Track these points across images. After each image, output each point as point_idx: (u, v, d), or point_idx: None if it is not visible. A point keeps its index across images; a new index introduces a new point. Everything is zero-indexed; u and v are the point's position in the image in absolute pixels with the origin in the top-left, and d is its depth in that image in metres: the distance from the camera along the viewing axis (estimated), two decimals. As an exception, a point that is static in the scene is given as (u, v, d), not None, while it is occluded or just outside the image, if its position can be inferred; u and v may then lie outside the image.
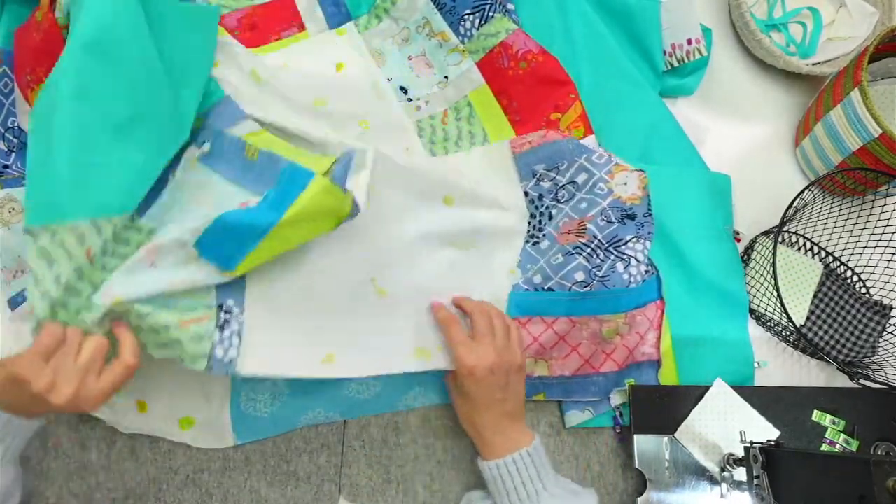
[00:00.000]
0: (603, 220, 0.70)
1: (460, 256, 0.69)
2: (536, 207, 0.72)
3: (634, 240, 0.69)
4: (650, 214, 0.71)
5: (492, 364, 0.58)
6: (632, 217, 0.70)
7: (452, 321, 0.62)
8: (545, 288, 0.69)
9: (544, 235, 0.72)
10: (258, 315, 0.58)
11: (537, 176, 0.72)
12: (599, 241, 0.69)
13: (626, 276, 0.68)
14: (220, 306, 0.56)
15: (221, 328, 0.56)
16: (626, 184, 0.71)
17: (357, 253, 0.63)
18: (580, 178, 0.71)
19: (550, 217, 0.72)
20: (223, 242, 0.54)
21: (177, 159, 0.61)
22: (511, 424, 0.60)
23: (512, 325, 0.64)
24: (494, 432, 0.60)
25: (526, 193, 0.73)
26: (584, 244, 0.69)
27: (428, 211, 0.68)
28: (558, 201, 0.72)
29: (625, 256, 0.68)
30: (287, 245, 0.57)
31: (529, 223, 0.72)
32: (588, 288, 0.67)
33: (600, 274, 0.68)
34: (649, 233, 0.70)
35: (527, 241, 0.72)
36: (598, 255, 0.69)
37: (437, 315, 0.64)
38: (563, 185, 0.71)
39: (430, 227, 0.68)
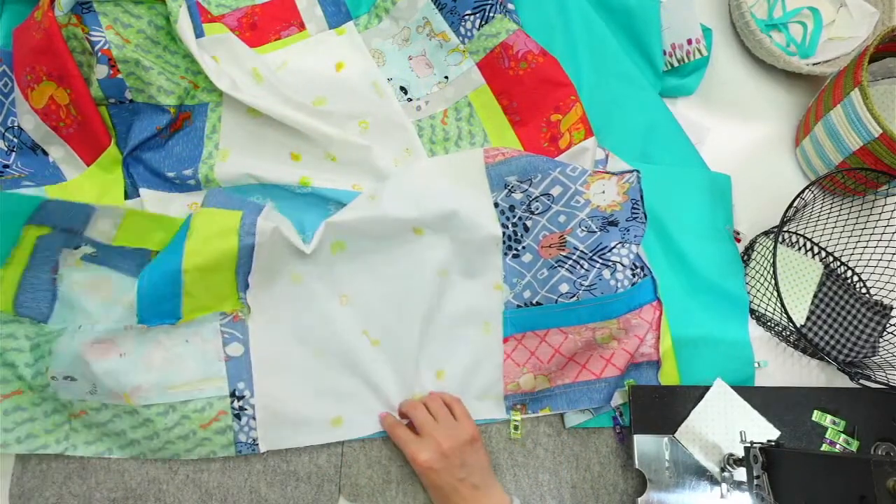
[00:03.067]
0: (583, 230, 0.70)
1: (444, 283, 0.69)
2: (508, 219, 0.72)
3: (619, 245, 0.69)
4: (636, 217, 0.70)
5: (443, 451, 0.60)
6: (614, 223, 0.70)
7: (395, 425, 0.64)
8: (534, 302, 0.69)
9: (524, 248, 0.71)
10: (268, 392, 0.65)
11: (509, 187, 0.72)
12: (582, 251, 0.69)
13: (612, 283, 0.68)
14: (232, 393, 0.64)
15: (238, 416, 0.64)
16: (603, 192, 0.71)
17: (345, 310, 0.69)
18: (554, 191, 0.71)
19: (526, 229, 0.72)
20: (156, 305, 0.61)
21: (50, 261, 0.63)
22: (484, 496, 0.61)
23: (453, 401, 0.65)
24: None
25: (496, 205, 0.72)
26: (565, 257, 0.69)
27: (402, 249, 0.70)
28: (532, 213, 0.71)
29: (610, 263, 0.68)
30: (209, 276, 0.62)
31: (503, 233, 0.72)
32: (574, 298, 0.68)
33: (586, 283, 0.68)
34: (636, 236, 0.69)
35: (505, 254, 0.72)
36: (581, 266, 0.69)
37: (382, 424, 0.66)
38: (536, 197, 0.71)
39: (408, 265, 0.70)
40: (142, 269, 0.62)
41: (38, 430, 0.62)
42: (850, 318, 0.77)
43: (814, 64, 0.84)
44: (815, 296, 0.77)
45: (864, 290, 0.78)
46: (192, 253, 0.60)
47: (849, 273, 0.78)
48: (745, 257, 0.77)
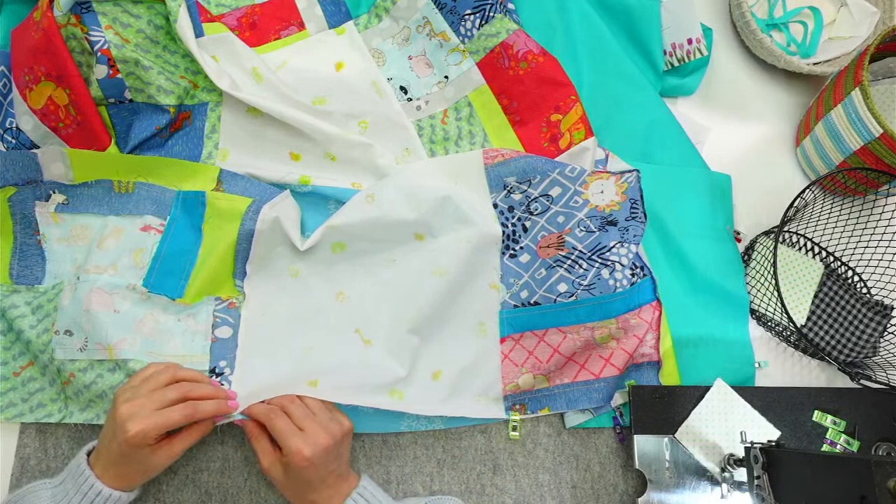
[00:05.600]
0: (581, 230, 0.70)
1: (441, 284, 0.69)
2: (507, 219, 0.72)
3: (619, 245, 0.69)
4: (635, 217, 0.70)
5: (326, 446, 0.56)
6: (613, 223, 0.70)
7: (275, 416, 0.58)
8: (532, 302, 0.69)
9: (522, 248, 0.71)
10: (248, 370, 0.64)
11: (508, 188, 0.72)
12: (580, 251, 0.69)
13: (611, 283, 0.67)
14: (212, 370, 0.64)
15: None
16: (602, 192, 0.71)
17: (340, 307, 0.69)
18: (554, 192, 0.71)
19: (525, 229, 0.72)
20: (167, 276, 0.64)
21: (28, 220, 0.66)
22: (344, 481, 0.59)
23: (314, 400, 0.61)
24: (327, 496, 0.58)
25: (495, 205, 0.72)
26: (563, 256, 0.69)
27: (402, 253, 0.70)
28: (531, 213, 0.71)
29: (609, 263, 0.68)
30: (213, 260, 0.65)
31: (503, 232, 0.72)
32: (573, 298, 0.68)
33: (585, 283, 0.68)
34: (635, 236, 0.69)
35: (503, 253, 0.72)
36: (580, 265, 0.69)
37: (253, 418, 0.60)
38: (536, 198, 0.71)
39: (408, 269, 0.70)
40: (112, 201, 0.66)
41: (46, 399, 0.63)
42: (850, 318, 0.77)
43: (814, 63, 0.84)
44: (816, 296, 0.77)
45: (864, 290, 0.78)
46: (206, 236, 0.64)
47: (849, 273, 0.78)
48: (746, 257, 0.77)
